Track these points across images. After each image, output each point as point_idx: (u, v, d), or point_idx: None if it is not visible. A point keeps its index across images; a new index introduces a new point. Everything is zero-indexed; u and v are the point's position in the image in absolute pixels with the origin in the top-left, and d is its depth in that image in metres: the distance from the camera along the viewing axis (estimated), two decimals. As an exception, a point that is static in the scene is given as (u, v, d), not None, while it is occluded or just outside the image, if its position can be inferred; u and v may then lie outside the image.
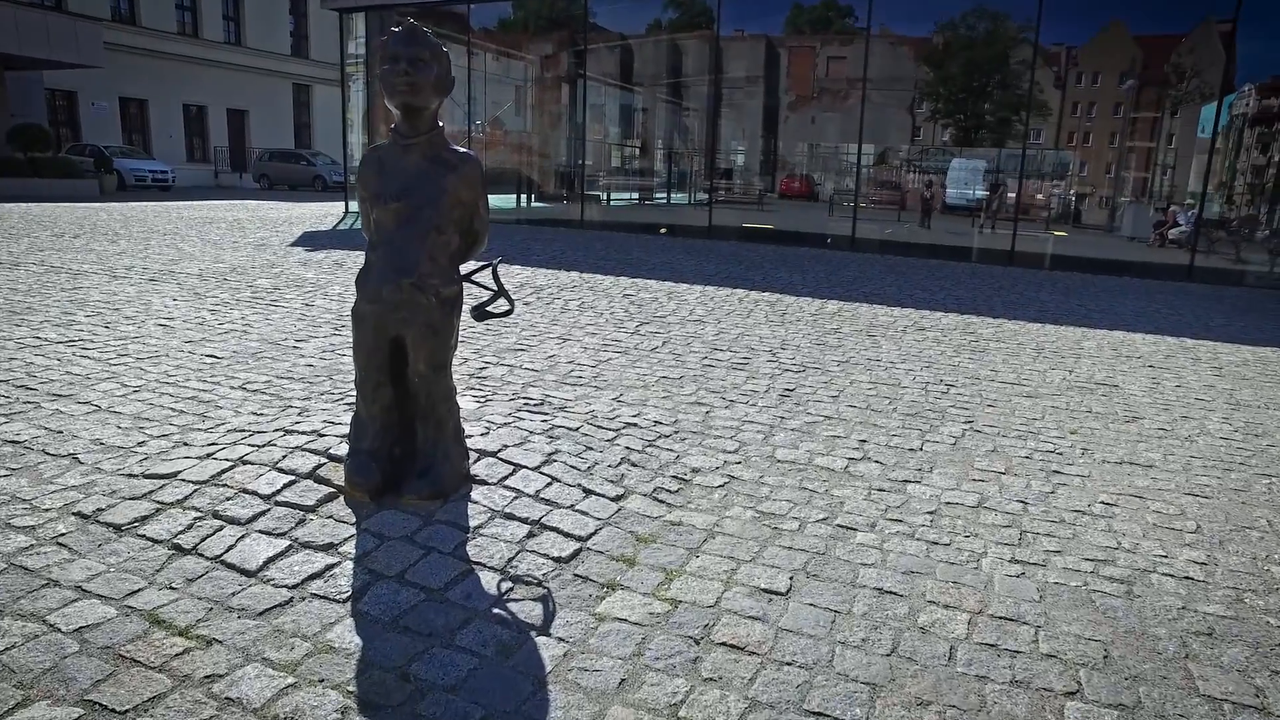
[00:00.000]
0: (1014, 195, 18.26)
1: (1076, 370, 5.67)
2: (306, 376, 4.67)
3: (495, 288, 2.94)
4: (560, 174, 19.23)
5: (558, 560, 2.67)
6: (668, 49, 18.70)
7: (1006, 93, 19.14)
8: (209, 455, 3.22)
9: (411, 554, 2.62)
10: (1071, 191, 19.67)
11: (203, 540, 2.64)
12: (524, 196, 18.82)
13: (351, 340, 2.95)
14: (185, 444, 3.48)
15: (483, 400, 4.11)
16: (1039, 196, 17.75)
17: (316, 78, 37.05)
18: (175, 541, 2.63)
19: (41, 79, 25.81)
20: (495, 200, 18.44)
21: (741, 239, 14.60)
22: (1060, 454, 4.00)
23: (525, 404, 4.12)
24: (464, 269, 2.97)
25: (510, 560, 2.65)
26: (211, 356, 5.01)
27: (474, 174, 2.82)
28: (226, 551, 2.58)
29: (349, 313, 3.45)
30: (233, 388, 4.39)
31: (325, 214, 17.14)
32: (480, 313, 2.98)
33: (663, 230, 15.59)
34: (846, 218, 16.46)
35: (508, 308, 3.00)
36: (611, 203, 18.81)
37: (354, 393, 3.14)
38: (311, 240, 11.61)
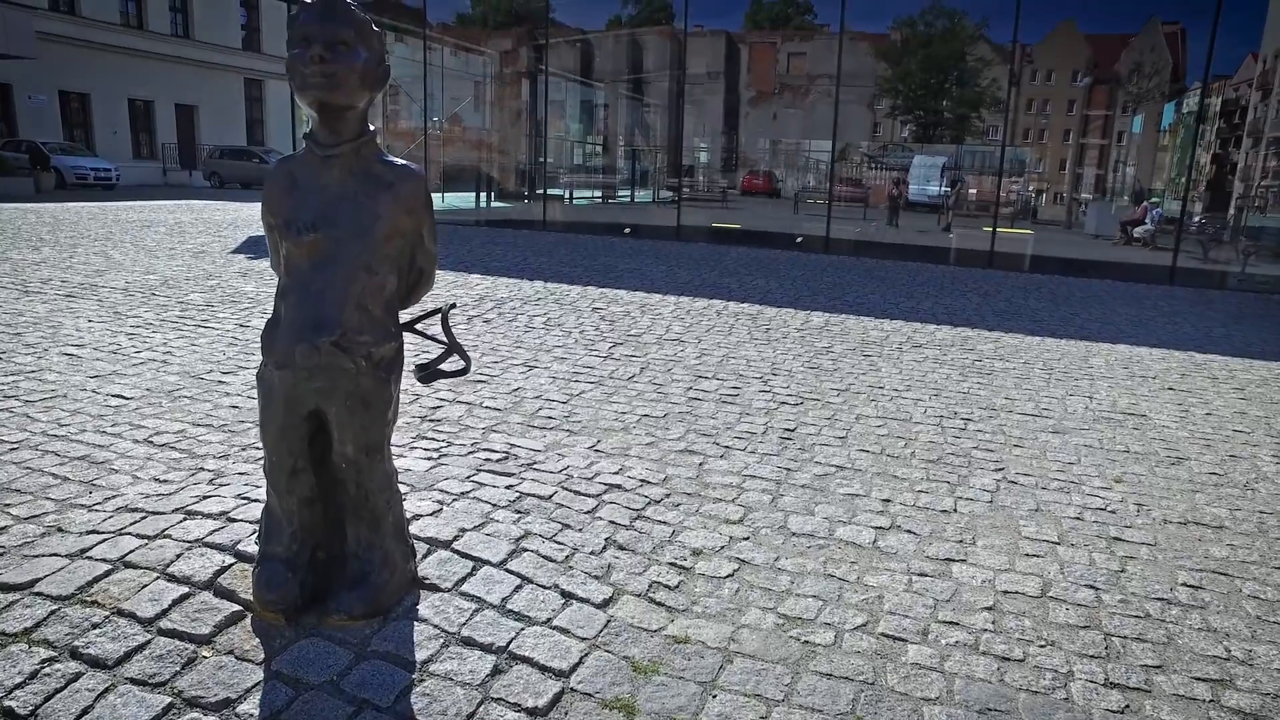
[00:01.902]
0: (974, 191, 17.90)
1: (1095, 395, 5.09)
2: (228, 423, 3.90)
3: (446, 341, 2.23)
4: (521, 172, 18.42)
5: (533, 714, 1.97)
6: (628, 44, 17.99)
7: (964, 90, 18.75)
8: (82, 552, 2.46)
9: (337, 712, 1.90)
10: (1030, 188, 19.36)
11: (46, 702, 1.89)
12: (484, 195, 17.97)
13: (258, 413, 2.21)
14: (59, 530, 2.71)
15: (435, 456, 3.39)
16: (1002, 194, 17.39)
17: (270, 72, 35.63)
18: (4, 705, 1.88)
19: (-30, 72, 24.28)
20: (454, 200, 17.60)
21: (710, 240, 13.96)
22: (1113, 512, 3.39)
23: (487, 460, 3.40)
24: (404, 317, 2.25)
25: (470, 718, 1.94)
26: (119, 397, 4.21)
27: (416, 194, 2.09)
28: (74, 725, 1.84)
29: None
30: (136, 441, 3.60)
31: (274, 215, 16.15)
32: (428, 373, 2.27)
33: (627, 230, 14.89)
34: (812, 216, 15.89)
35: (462, 365, 2.29)
36: (574, 202, 18.04)
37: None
38: (255, 246, 10.70)
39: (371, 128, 2.07)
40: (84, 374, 4.59)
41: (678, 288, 8.21)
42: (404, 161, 2.10)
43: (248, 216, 15.61)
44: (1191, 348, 6.71)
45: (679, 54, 16.39)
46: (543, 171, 17.05)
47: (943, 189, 17.59)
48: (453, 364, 2.25)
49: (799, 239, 13.65)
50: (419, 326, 2.29)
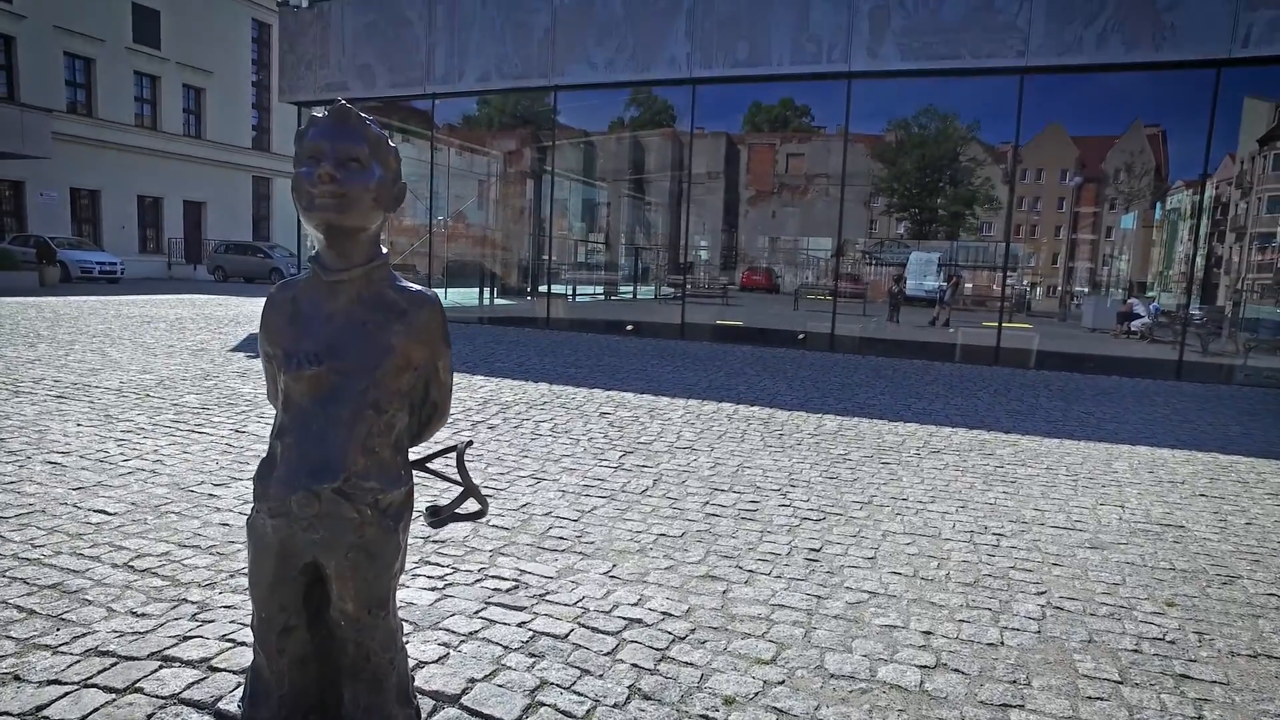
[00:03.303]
0: (970, 286, 17.93)
1: (1126, 504, 4.83)
2: (217, 543, 3.62)
3: (461, 482, 1.99)
4: (523, 269, 18.48)
5: None
6: (630, 145, 18.28)
7: (957, 188, 19.01)
8: (38, 710, 2.17)
9: None
10: (1025, 283, 19.46)
11: None
12: (487, 291, 17.97)
13: (247, 562, 1.95)
14: (16, 679, 2.41)
15: (440, 587, 3.11)
16: (997, 288, 17.46)
17: (278, 170, 36.33)
18: None
19: (-14, 169, 24.61)
20: (456, 296, 17.59)
21: (713, 339, 13.86)
22: (1172, 642, 3.09)
23: (495, 590, 3.12)
24: (415, 454, 2.02)
25: None
26: (100, 513, 3.94)
27: (431, 323, 1.88)
28: None
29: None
30: (115, 565, 3.32)
31: (276, 310, 16.06)
32: (440, 518, 2.02)
33: (629, 328, 14.80)
34: (813, 312, 15.83)
35: (478, 508, 2.04)
36: (577, 299, 18.04)
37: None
38: (254, 345, 10.53)
39: (384, 250, 1.88)
40: (66, 485, 4.32)
41: (685, 390, 8.00)
42: (418, 287, 1.90)
43: (249, 312, 15.52)
44: (1213, 448, 6.47)
45: (680, 155, 16.62)
46: (546, 269, 17.10)
47: (939, 284, 17.64)
48: (468, 507, 2.01)
49: (801, 335, 13.55)
50: (431, 465, 2.06)
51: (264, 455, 1.87)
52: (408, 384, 1.88)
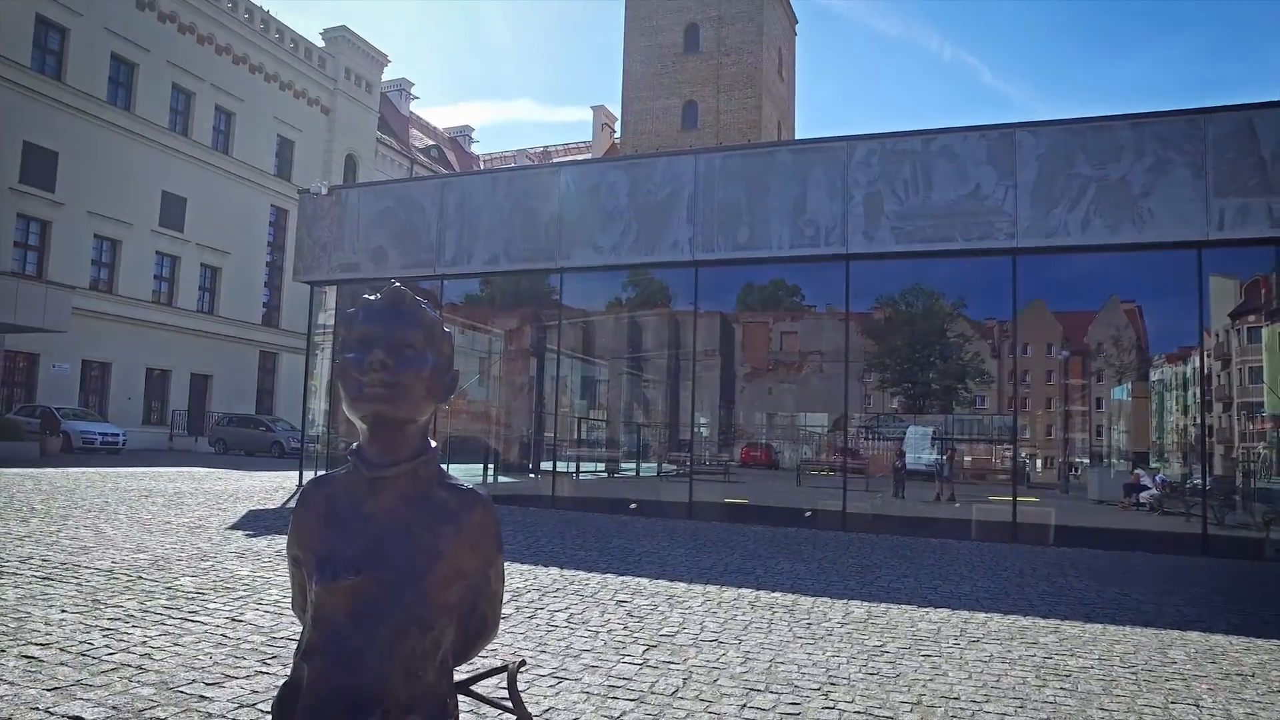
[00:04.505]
0: (969, 459, 17.66)
1: (1200, 703, 4.34)
2: (204, 760, 3.15)
3: (513, 710, 1.66)
4: (525, 445, 18.22)
5: None
6: (629, 324, 18.51)
7: (948, 363, 19.14)
8: None
9: None
10: (1023, 455, 19.20)
11: None
12: (489, 468, 17.65)
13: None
14: None
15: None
16: (995, 460, 17.22)
17: (284, 346, 36.74)
18: None
19: (2, 341, 24.71)
20: (457, 472, 17.20)
21: (721, 518, 13.43)
22: None
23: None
24: (459, 674, 1.69)
25: None
26: (75, 719, 3.47)
27: (485, 526, 1.59)
28: None
29: (283, 638, 2.09)
30: (86, 790, 2.85)
31: (277, 486, 15.65)
32: None
33: (633, 506, 14.40)
34: (816, 487, 15.47)
35: (528, 738, 1.69)
36: (580, 476, 17.68)
37: None
38: (256, 521, 10.10)
39: (433, 444, 1.63)
40: (40, 685, 3.86)
41: (702, 575, 7.54)
42: (469, 485, 1.63)
43: (249, 487, 15.10)
44: (1273, 634, 6.00)
45: (678, 333, 16.78)
46: (549, 445, 16.85)
47: (937, 458, 17.38)
48: (519, 741, 1.66)
49: (809, 513, 13.15)
50: (477, 689, 1.72)
51: (284, 680, 1.54)
52: (456, 595, 1.57)
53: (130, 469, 18.30)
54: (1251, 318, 15.40)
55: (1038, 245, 11.92)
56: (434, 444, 1.62)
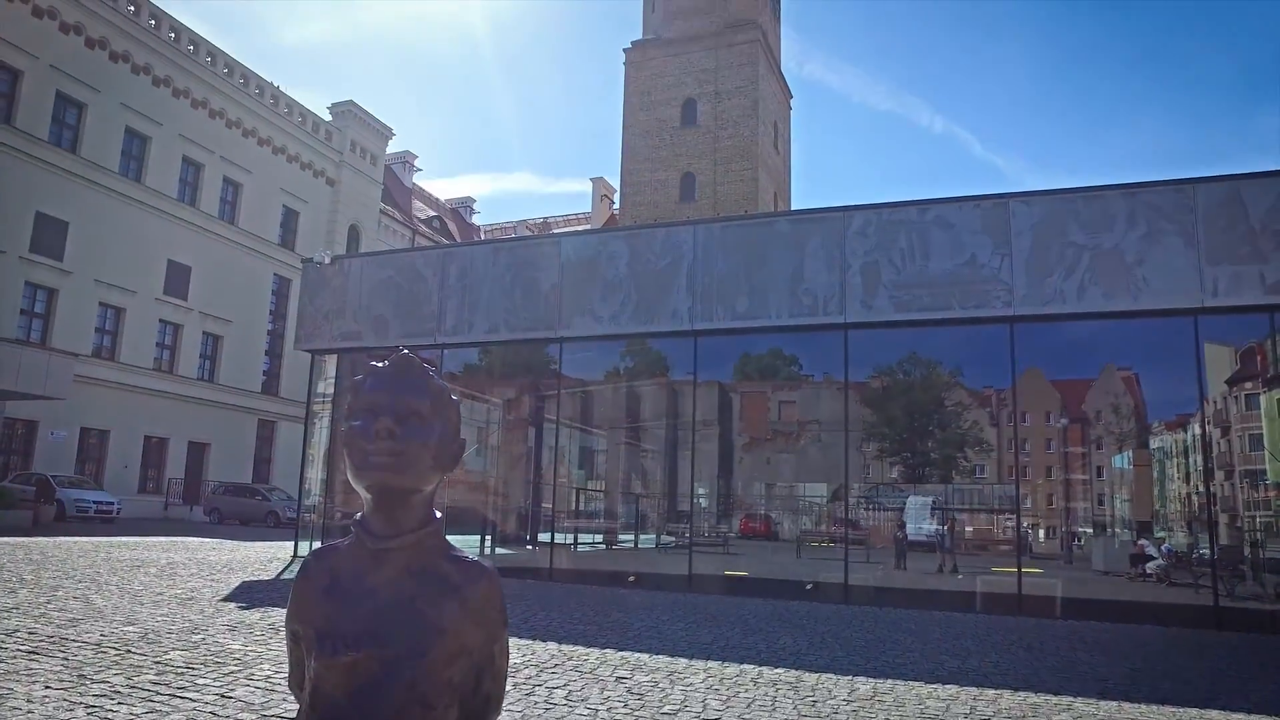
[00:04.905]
0: (970, 529, 17.44)
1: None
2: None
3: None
4: (523, 516, 18.00)
5: None
6: (627, 394, 18.48)
7: (947, 431, 19.05)
8: None
9: None
10: (1025, 525, 18.94)
11: None
12: (487, 539, 17.39)
13: None
14: None
15: None
16: (998, 531, 17.01)
17: (283, 414, 36.60)
18: None
19: (2, 408, 24.61)
20: (454, 542, 16.90)
21: (720, 590, 13.18)
22: None
23: None
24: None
25: None
26: (57, 804, 3.32)
27: (490, 600, 1.53)
28: None
29: (275, 715, 1.98)
30: None
31: (272, 557, 15.40)
32: None
33: (631, 579, 14.16)
34: (817, 559, 15.23)
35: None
36: (579, 547, 17.42)
37: None
38: (249, 593, 9.90)
39: (438, 515, 1.59)
40: (23, 768, 3.71)
41: (703, 650, 7.35)
42: (473, 557, 1.58)
43: (243, 558, 14.86)
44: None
45: (676, 402, 16.75)
46: (549, 517, 16.65)
47: (938, 528, 17.15)
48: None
49: (809, 585, 12.92)
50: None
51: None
52: (460, 673, 1.51)
53: (124, 538, 18.03)
54: (1249, 384, 15.38)
55: (1034, 313, 11.98)
56: (439, 515, 1.58)
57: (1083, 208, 11.87)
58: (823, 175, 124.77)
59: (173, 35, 33.11)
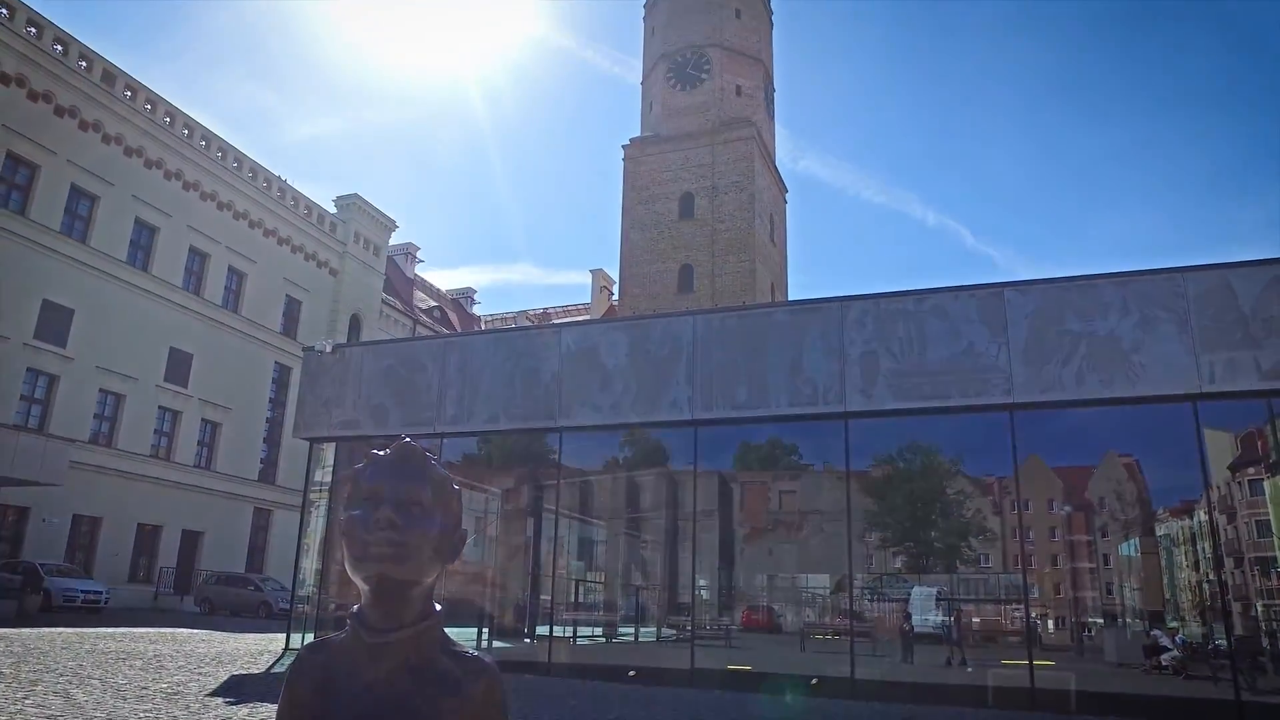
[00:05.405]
0: (977, 620, 16.99)
1: None
2: None
3: None
4: (521, 608, 17.58)
5: None
6: (626, 484, 18.30)
7: (950, 520, 18.78)
8: None
9: None
10: (1034, 615, 18.49)
11: None
12: (484, 632, 16.94)
13: None
14: None
15: None
16: (1005, 621, 16.57)
17: (279, 503, 36.18)
18: None
19: (-3, 495, 24.36)
20: (451, 633, 16.46)
21: (724, 686, 12.77)
22: None
23: None
24: None
25: None
26: None
27: (490, 698, 1.47)
28: None
29: None
30: None
31: (263, 649, 14.97)
32: None
33: (631, 674, 13.73)
34: (821, 652, 14.79)
35: None
36: (578, 641, 16.96)
37: None
38: (239, 688, 9.57)
39: (437, 608, 1.53)
40: None
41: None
42: (474, 653, 1.52)
43: (233, 650, 14.44)
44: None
45: (676, 493, 16.56)
46: (548, 609, 16.26)
47: (944, 619, 16.74)
48: None
49: (814, 680, 12.53)
50: None
51: None
52: (460, 777, 1.43)
53: (111, 629, 17.55)
54: (1251, 470, 15.26)
55: (1033, 400, 11.98)
56: (438, 608, 1.53)
57: (1076, 296, 12.00)
58: (819, 266, 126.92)
59: (186, 131, 34.10)
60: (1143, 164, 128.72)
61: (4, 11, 27.56)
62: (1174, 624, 14.09)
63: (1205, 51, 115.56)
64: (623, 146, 49.80)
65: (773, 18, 55.17)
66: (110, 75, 30.93)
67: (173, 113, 33.62)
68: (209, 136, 35.16)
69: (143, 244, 32.23)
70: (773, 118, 54.16)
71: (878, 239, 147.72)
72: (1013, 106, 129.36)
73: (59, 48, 29.25)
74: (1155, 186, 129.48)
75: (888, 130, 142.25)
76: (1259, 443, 13.81)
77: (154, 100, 32.76)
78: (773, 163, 51.82)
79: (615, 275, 50.89)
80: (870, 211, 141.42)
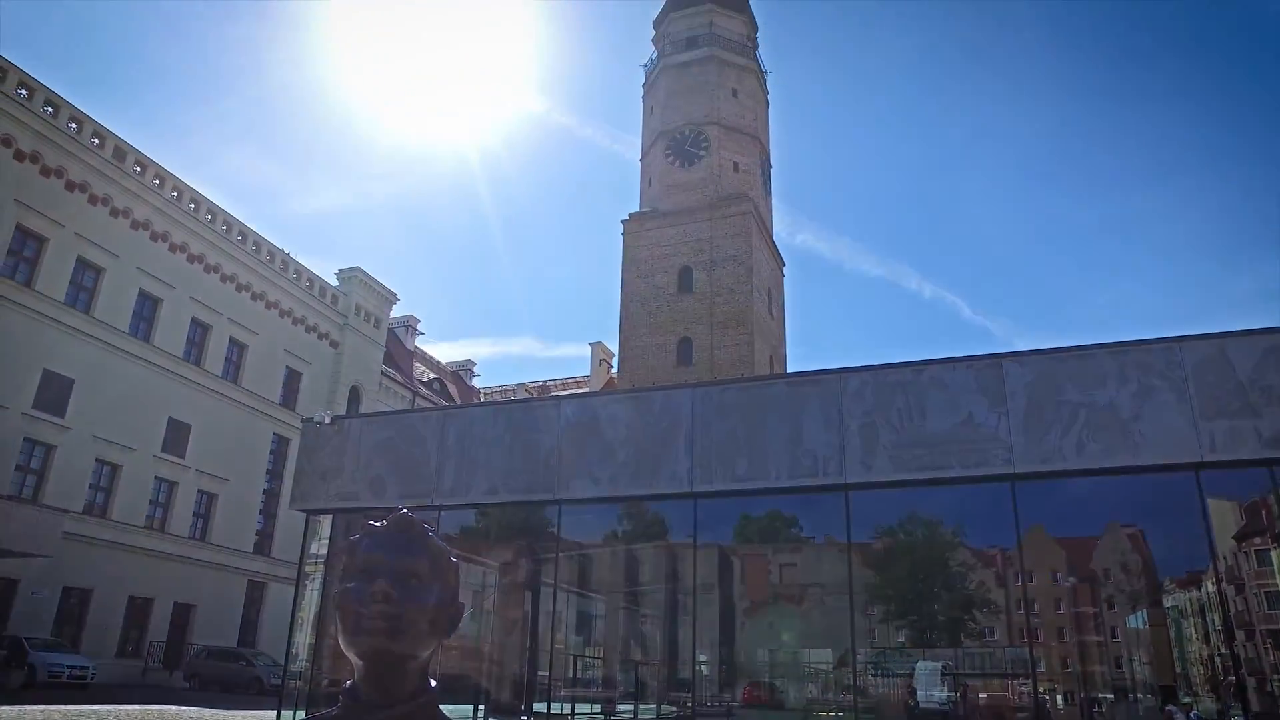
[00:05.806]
0: (984, 695, 16.52)
1: None
2: None
3: None
4: (518, 684, 17.14)
5: None
6: (625, 557, 18.04)
7: (953, 592, 18.44)
8: None
9: None
10: (1043, 691, 18.02)
11: None
12: (479, 709, 16.47)
13: None
14: None
15: None
16: (1013, 697, 16.13)
17: (273, 576, 35.59)
18: None
19: (-20, 569, 23.94)
20: (446, 710, 15.99)
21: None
22: None
23: None
24: None
25: None
26: None
27: None
28: None
29: None
30: None
31: (250, 727, 14.51)
32: None
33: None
34: (825, 730, 14.39)
35: None
36: (576, 718, 16.48)
37: None
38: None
39: (433, 684, 1.48)
40: None
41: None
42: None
43: (220, 728, 13.98)
44: None
45: (675, 566, 16.31)
46: (545, 685, 15.84)
47: (950, 694, 16.30)
48: None
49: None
50: None
51: None
52: None
53: (95, 706, 17.03)
54: (1258, 540, 15.06)
55: (1034, 470, 11.90)
56: (433, 684, 1.48)
57: (1075, 366, 12.03)
58: (817, 338, 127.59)
59: (193, 205, 34.66)
60: (1135, 236, 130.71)
61: (23, 92, 28.30)
62: (1187, 699, 13.73)
63: (1192, 124, 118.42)
64: (621, 221, 50.52)
65: (769, 97, 56.66)
66: (121, 151, 31.58)
67: (180, 187, 34.22)
68: (214, 210, 35.72)
69: (145, 315, 32.43)
70: (770, 193, 55.15)
71: (875, 311, 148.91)
72: (1008, 180, 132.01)
73: (74, 125, 29.94)
74: (1148, 257, 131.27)
75: (884, 204, 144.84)
76: (1263, 512, 13.67)
77: (162, 175, 33.38)
78: (770, 237, 52.56)
79: (614, 348, 51.06)
80: (867, 284, 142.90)
